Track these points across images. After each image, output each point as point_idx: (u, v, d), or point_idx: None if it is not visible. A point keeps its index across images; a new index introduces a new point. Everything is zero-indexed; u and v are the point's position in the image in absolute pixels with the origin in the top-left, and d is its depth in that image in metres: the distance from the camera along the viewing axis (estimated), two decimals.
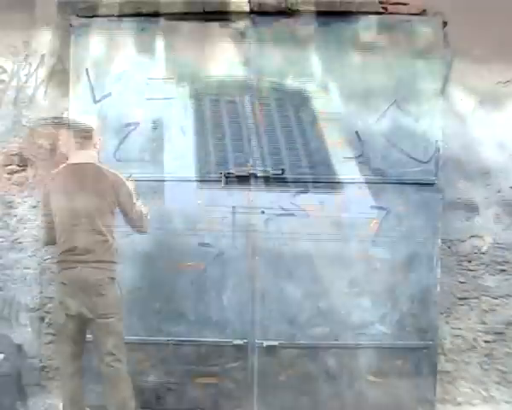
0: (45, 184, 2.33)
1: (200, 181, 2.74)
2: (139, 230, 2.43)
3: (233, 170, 2.71)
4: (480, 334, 2.87)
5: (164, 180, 2.75)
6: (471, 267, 2.87)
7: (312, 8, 2.70)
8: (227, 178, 2.70)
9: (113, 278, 2.27)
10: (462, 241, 2.86)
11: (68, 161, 2.33)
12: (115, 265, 2.29)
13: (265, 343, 2.72)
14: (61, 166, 2.34)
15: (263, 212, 2.73)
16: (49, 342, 2.95)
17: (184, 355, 2.75)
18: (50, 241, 2.37)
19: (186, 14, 2.74)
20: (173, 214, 2.73)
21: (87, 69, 2.77)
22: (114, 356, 2.23)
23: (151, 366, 2.76)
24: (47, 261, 2.94)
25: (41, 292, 2.95)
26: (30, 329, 2.96)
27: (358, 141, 2.73)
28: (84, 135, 2.32)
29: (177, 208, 2.72)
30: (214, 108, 2.75)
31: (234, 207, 2.74)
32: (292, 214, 2.74)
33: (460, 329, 2.88)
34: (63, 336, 2.26)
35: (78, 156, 2.30)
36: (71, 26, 2.78)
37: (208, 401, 2.76)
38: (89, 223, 2.21)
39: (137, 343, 2.70)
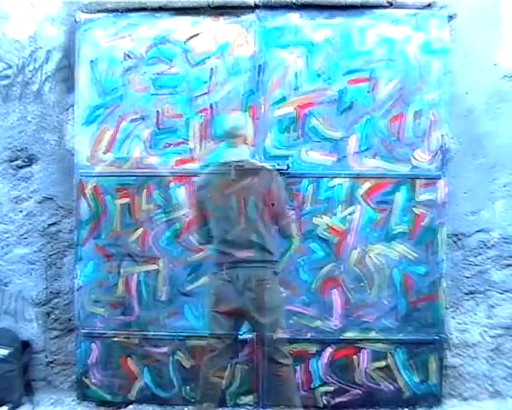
0: (199, 186, 2.35)
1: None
2: (287, 234, 2.49)
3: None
4: (487, 329, 2.86)
5: (169, 175, 2.77)
6: (477, 262, 2.85)
7: (318, 2, 2.70)
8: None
9: (276, 273, 2.33)
10: (469, 235, 2.86)
11: (221, 160, 2.35)
12: (277, 263, 2.35)
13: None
14: (213, 166, 2.35)
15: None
16: (55, 337, 2.96)
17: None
18: (208, 241, 2.43)
19: (191, 8, 2.75)
20: (181, 207, 2.74)
21: (92, 64, 2.77)
22: (282, 352, 2.29)
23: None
24: (52, 257, 2.95)
25: (46, 287, 2.96)
26: (36, 324, 2.97)
27: (364, 135, 2.72)
28: (233, 133, 2.32)
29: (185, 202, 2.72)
30: (220, 102, 2.74)
31: None
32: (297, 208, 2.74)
33: (466, 324, 2.87)
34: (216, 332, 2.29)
35: (231, 155, 2.33)
36: (76, 21, 2.79)
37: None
38: (252, 218, 2.26)
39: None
